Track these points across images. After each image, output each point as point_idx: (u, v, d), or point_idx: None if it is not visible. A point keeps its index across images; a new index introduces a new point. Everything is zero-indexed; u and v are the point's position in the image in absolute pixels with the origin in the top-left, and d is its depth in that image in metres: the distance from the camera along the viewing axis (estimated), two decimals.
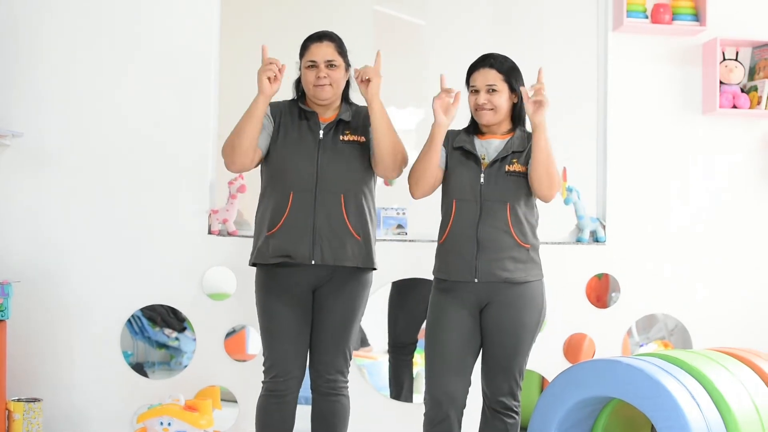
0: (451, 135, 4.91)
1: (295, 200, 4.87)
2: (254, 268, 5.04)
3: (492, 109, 4.79)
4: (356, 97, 5.09)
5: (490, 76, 4.79)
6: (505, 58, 4.86)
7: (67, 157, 5.95)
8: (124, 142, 5.97)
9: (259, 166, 5.01)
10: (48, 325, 5.91)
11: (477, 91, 4.81)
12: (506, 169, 4.77)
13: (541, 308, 4.83)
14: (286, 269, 4.91)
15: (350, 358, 5.08)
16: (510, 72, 4.82)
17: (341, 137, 4.95)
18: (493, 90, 4.78)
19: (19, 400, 5.63)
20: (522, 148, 4.81)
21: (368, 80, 4.82)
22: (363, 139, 4.97)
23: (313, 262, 4.87)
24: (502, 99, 4.80)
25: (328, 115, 5.00)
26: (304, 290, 4.95)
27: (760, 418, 4.51)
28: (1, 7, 5.88)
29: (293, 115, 4.99)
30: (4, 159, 5.91)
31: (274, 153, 4.94)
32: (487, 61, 4.83)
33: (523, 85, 4.83)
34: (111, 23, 5.98)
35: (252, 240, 5.05)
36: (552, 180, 4.73)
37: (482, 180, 4.77)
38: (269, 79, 4.80)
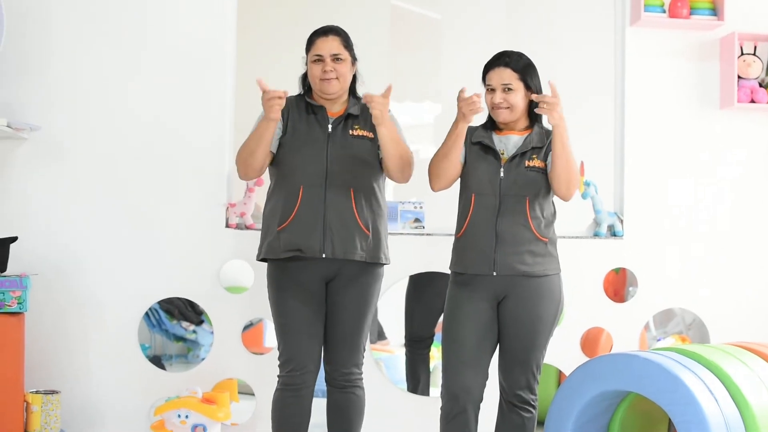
0: (469, 130, 4.91)
1: (305, 195, 4.88)
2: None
3: (508, 108, 4.80)
4: (363, 91, 5.10)
5: (505, 75, 4.79)
6: (520, 56, 4.85)
7: (84, 150, 5.96)
8: (141, 136, 5.98)
9: None
10: (66, 318, 5.93)
11: (493, 90, 4.81)
12: (526, 165, 4.78)
13: (559, 302, 4.84)
14: (298, 263, 4.92)
15: (364, 351, 5.09)
16: (525, 70, 4.82)
17: (350, 132, 4.96)
18: (509, 89, 4.78)
19: (37, 392, 5.65)
20: (541, 144, 4.82)
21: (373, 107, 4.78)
22: (371, 134, 4.97)
23: (323, 256, 4.88)
24: (518, 97, 4.80)
25: (336, 110, 5.01)
26: (317, 284, 4.95)
27: None
28: (22, 1, 5.88)
29: (300, 110, 5.00)
30: (22, 153, 5.93)
31: (284, 149, 4.95)
32: (502, 59, 4.83)
33: (539, 81, 4.83)
34: (125, 16, 5.99)
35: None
36: (571, 179, 4.75)
37: (502, 174, 4.77)
38: (272, 105, 4.75)
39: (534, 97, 4.71)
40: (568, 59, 6.46)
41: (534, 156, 4.81)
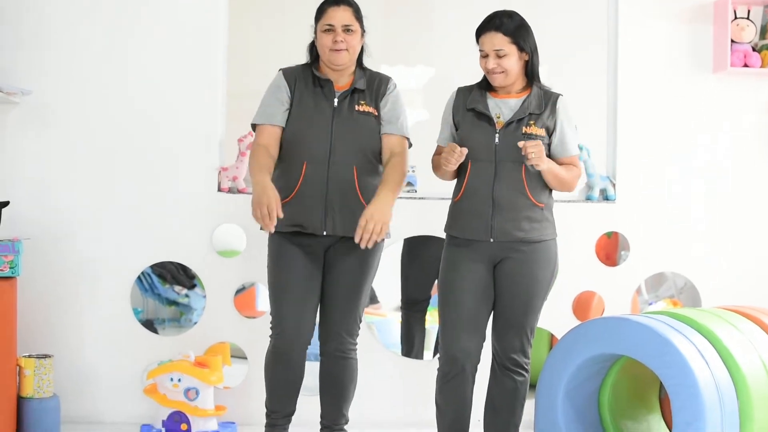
0: (463, 94, 4.90)
1: (308, 171, 4.88)
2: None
3: (503, 72, 4.77)
4: (370, 63, 5.09)
5: (496, 41, 4.75)
6: (511, 17, 4.79)
7: (76, 115, 5.94)
8: (133, 101, 5.96)
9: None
10: (58, 283, 5.93)
11: (486, 56, 4.79)
12: (523, 131, 4.76)
13: (555, 266, 4.86)
14: (299, 236, 4.92)
15: (360, 321, 5.09)
16: (517, 32, 4.77)
17: (356, 107, 4.94)
18: (502, 54, 4.76)
19: (30, 357, 5.65)
20: (539, 110, 4.79)
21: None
22: (376, 112, 4.97)
23: (324, 233, 4.88)
24: (512, 61, 4.77)
25: (342, 83, 4.99)
26: (316, 252, 4.97)
27: None
28: None
29: (307, 81, 4.98)
30: (13, 117, 5.91)
31: (290, 122, 4.94)
32: (492, 23, 4.78)
33: (533, 41, 4.81)
34: None
35: None
36: (568, 188, 4.88)
37: (497, 140, 4.76)
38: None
39: (519, 144, 4.66)
40: (560, 22, 6.46)
41: (531, 122, 4.78)
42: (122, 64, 5.96)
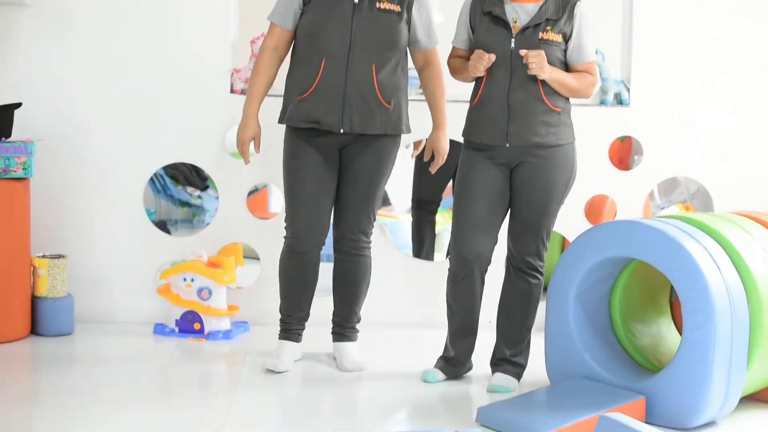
0: None
1: (327, 67, 4.87)
2: (278, 127, 5.05)
3: None
4: None
5: None
6: None
7: (88, 16, 5.91)
8: (146, 1, 5.92)
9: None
10: (71, 184, 5.95)
11: None
12: (539, 37, 4.73)
13: (572, 170, 4.87)
14: (315, 133, 4.92)
15: (374, 219, 5.12)
16: None
17: (377, 4, 4.90)
18: None
19: (43, 257, 5.69)
20: (556, 15, 4.75)
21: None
22: (398, 8, 4.93)
23: (342, 131, 4.88)
24: None
25: None
26: (331, 150, 4.98)
27: None
28: None
29: None
30: (25, 19, 5.89)
31: (308, 15, 4.91)
32: None
33: None
34: None
35: (281, 99, 5.05)
36: (581, 95, 4.86)
37: (512, 45, 4.73)
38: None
39: (521, 52, 4.65)
40: None
41: (548, 27, 4.74)
42: None
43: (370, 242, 5.15)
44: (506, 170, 4.83)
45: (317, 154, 4.96)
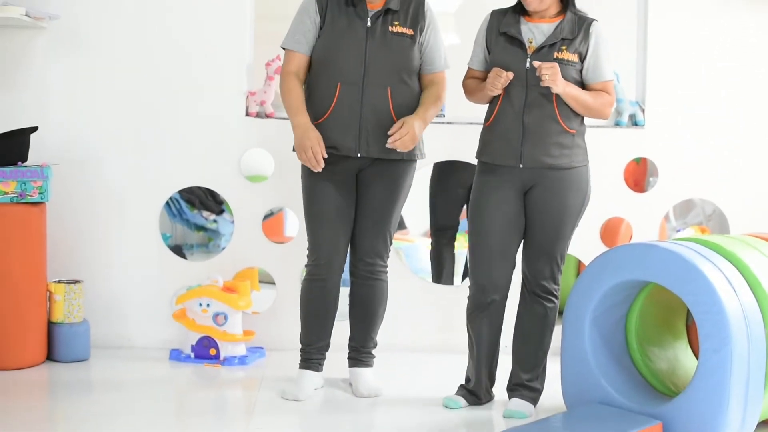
0: (496, 17, 4.87)
1: (342, 92, 4.88)
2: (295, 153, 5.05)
3: None
4: None
5: None
6: None
7: (104, 40, 5.93)
8: (161, 25, 5.94)
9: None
10: (87, 208, 5.95)
11: None
12: (555, 56, 4.73)
13: (586, 193, 4.86)
14: (332, 158, 4.92)
15: (390, 243, 5.11)
16: None
17: (390, 28, 4.91)
18: None
19: (60, 282, 5.70)
20: (572, 35, 4.75)
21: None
22: (411, 31, 4.94)
23: (359, 155, 4.88)
24: None
25: (375, 2, 4.94)
26: (349, 175, 4.98)
27: None
28: None
29: (339, 1, 4.94)
30: (42, 42, 5.90)
31: (322, 41, 4.92)
32: None
33: None
34: None
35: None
36: (597, 114, 4.83)
37: (528, 65, 4.73)
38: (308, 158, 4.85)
39: (535, 64, 4.65)
40: None
41: (564, 47, 4.75)
42: None
43: (386, 266, 5.15)
44: (520, 194, 4.82)
45: (335, 180, 4.96)
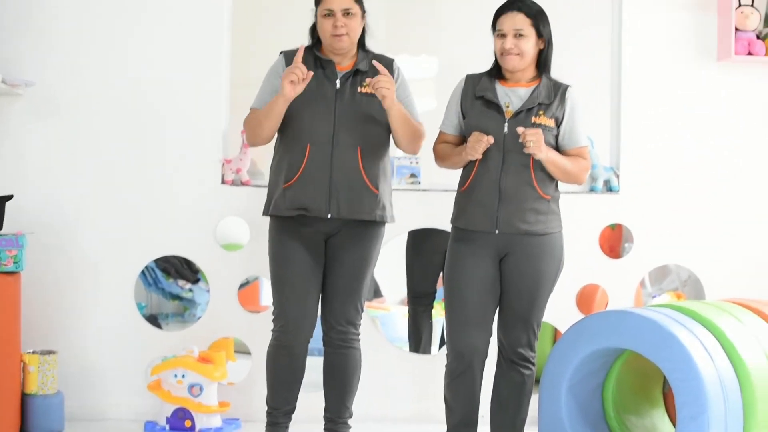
0: (472, 81, 4.89)
1: (312, 153, 4.87)
2: (267, 218, 5.04)
3: (518, 54, 4.77)
4: (372, 45, 5.07)
5: (518, 20, 4.76)
6: (532, 2, 4.82)
7: (79, 107, 5.93)
8: (137, 93, 5.95)
9: None
10: (62, 277, 5.93)
11: (503, 36, 4.78)
12: (532, 121, 4.75)
13: (560, 259, 4.86)
14: (301, 220, 4.91)
15: (362, 311, 5.09)
16: (538, 16, 4.79)
17: (359, 89, 4.93)
18: (521, 35, 4.76)
19: (34, 353, 5.65)
20: (548, 100, 4.78)
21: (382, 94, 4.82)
22: None
23: (329, 216, 4.87)
24: (529, 44, 4.77)
25: (345, 64, 4.98)
26: (318, 240, 4.96)
27: None
28: None
29: (309, 63, 4.94)
30: (17, 109, 5.91)
31: (291, 104, 4.92)
32: (515, 4, 4.79)
33: (550, 30, 4.83)
34: None
35: (267, 189, 5.06)
36: (574, 180, 4.86)
37: (506, 130, 4.75)
38: (292, 82, 4.77)
39: (519, 130, 4.67)
40: (565, 10, 6.41)
41: (541, 112, 4.77)
42: (125, 56, 5.95)
43: (359, 334, 5.12)
44: (495, 261, 4.82)
45: (304, 246, 4.94)
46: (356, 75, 4.96)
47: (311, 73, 4.79)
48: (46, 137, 5.93)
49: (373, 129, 4.94)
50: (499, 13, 4.83)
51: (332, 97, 4.91)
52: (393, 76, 4.95)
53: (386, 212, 5.00)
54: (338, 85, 4.92)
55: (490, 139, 4.69)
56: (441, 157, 4.96)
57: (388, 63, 5.02)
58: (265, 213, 5.04)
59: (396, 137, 4.97)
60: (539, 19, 4.79)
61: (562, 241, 4.88)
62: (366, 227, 4.99)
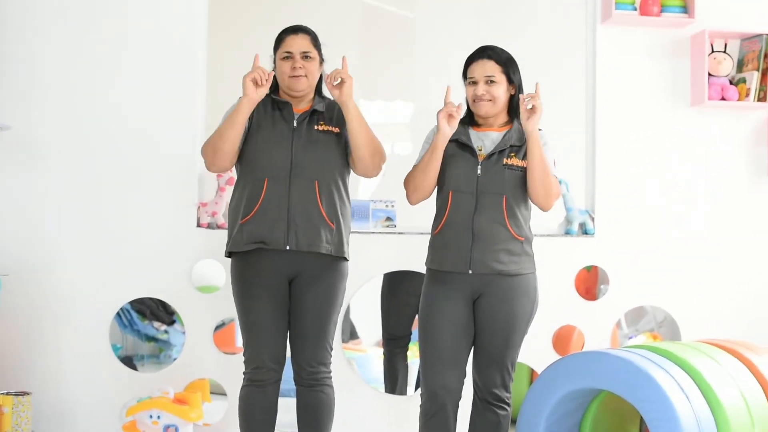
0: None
1: (269, 187, 4.88)
2: None
3: (490, 100, 4.80)
4: (329, 92, 5.10)
5: (488, 67, 4.81)
6: (502, 50, 4.87)
7: (54, 150, 5.93)
8: (112, 135, 5.96)
9: None
10: (37, 319, 5.90)
11: (475, 83, 4.82)
12: (504, 162, 4.78)
13: (534, 300, 4.85)
14: (261, 258, 4.91)
15: (331, 349, 5.06)
16: (508, 63, 4.84)
17: (316, 127, 4.96)
18: (492, 81, 4.80)
19: (8, 394, 5.62)
20: (520, 142, 4.82)
21: (341, 83, 4.83)
22: (337, 129, 4.98)
23: (288, 248, 4.87)
24: (501, 90, 4.81)
25: (302, 107, 5.02)
26: (280, 280, 4.94)
27: (749, 409, 4.53)
28: None
29: (266, 106, 4.99)
30: None
31: (248, 143, 4.94)
32: (485, 52, 4.85)
33: (520, 77, 4.86)
34: (102, 18, 5.97)
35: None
36: (548, 190, 4.77)
37: (479, 172, 4.78)
38: (255, 82, 4.79)
39: (525, 95, 4.71)
40: (539, 56, 6.48)
41: (512, 154, 4.80)
42: (102, 100, 5.96)
43: (330, 372, 5.08)
44: (469, 302, 4.82)
45: (267, 287, 4.91)
46: (313, 115, 4.99)
47: (272, 73, 4.81)
48: (21, 180, 5.92)
49: (330, 163, 4.95)
50: (470, 61, 4.88)
51: (289, 134, 4.93)
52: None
53: (342, 247, 4.99)
54: (295, 124, 4.95)
55: (462, 108, 4.72)
56: (413, 175, 4.89)
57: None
58: (226, 253, 5.03)
59: (354, 145, 4.90)
60: (509, 66, 4.84)
61: (536, 282, 4.89)
62: (327, 265, 4.97)
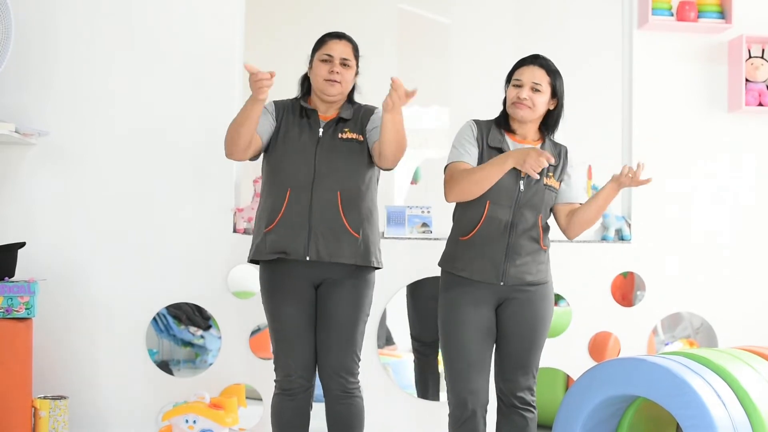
0: (483, 129, 4.88)
1: (292, 197, 4.88)
2: None
3: (531, 107, 4.80)
4: (360, 100, 5.10)
5: (537, 74, 4.81)
6: (552, 62, 4.88)
7: (92, 155, 5.96)
8: (149, 142, 5.98)
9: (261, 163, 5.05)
10: (74, 323, 5.93)
11: (520, 86, 4.81)
12: (544, 182, 4.80)
13: (552, 305, 4.89)
14: (285, 267, 4.92)
15: (359, 359, 5.04)
16: (557, 75, 4.86)
17: (339, 135, 4.96)
18: (537, 89, 4.80)
19: (45, 398, 5.65)
20: (556, 162, 4.83)
21: (397, 101, 4.65)
22: (362, 138, 4.98)
23: (308, 258, 4.87)
24: (543, 99, 4.82)
25: (329, 114, 5.02)
26: (305, 288, 4.94)
27: None
28: (29, 7, 5.89)
29: (295, 113, 5.02)
30: (30, 158, 5.93)
31: (274, 150, 4.97)
32: (537, 60, 4.86)
33: (563, 91, 4.86)
34: (137, 23, 6.00)
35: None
36: (592, 225, 4.90)
37: (521, 188, 4.76)
38: (260, 85, 4.67)
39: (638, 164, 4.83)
40: (576, 62, 6.45)
41: (550, 174, 4.83)
42: (137, 105, 5.99)
43: (358, 382, 5.05)
44: (493, 307, 4.82)
45: (294, 297, 4.92)
46: (339, 123, 4.99)
47: (274, 72, 4.76)
48: (58, 185, 5.95)
49: (353, 173, 4.95)
50: (519, 64, 4.88)
51: (313, 144, 4.93)
52: (375, 120, 4.97)
53: (372, 256, 4.98)
54: (320, 134, 4.95)
55: (550, 158, 4.59)
56: (464, 176, 4.74)
57: (371, 109, 5.07)
58: (248, 259, 5.05)
59: (383, 143, 4.80)
60: (557, 78, 4.85)
61: (553, 288, 4.94)
62: (353, 273, 4.96)
